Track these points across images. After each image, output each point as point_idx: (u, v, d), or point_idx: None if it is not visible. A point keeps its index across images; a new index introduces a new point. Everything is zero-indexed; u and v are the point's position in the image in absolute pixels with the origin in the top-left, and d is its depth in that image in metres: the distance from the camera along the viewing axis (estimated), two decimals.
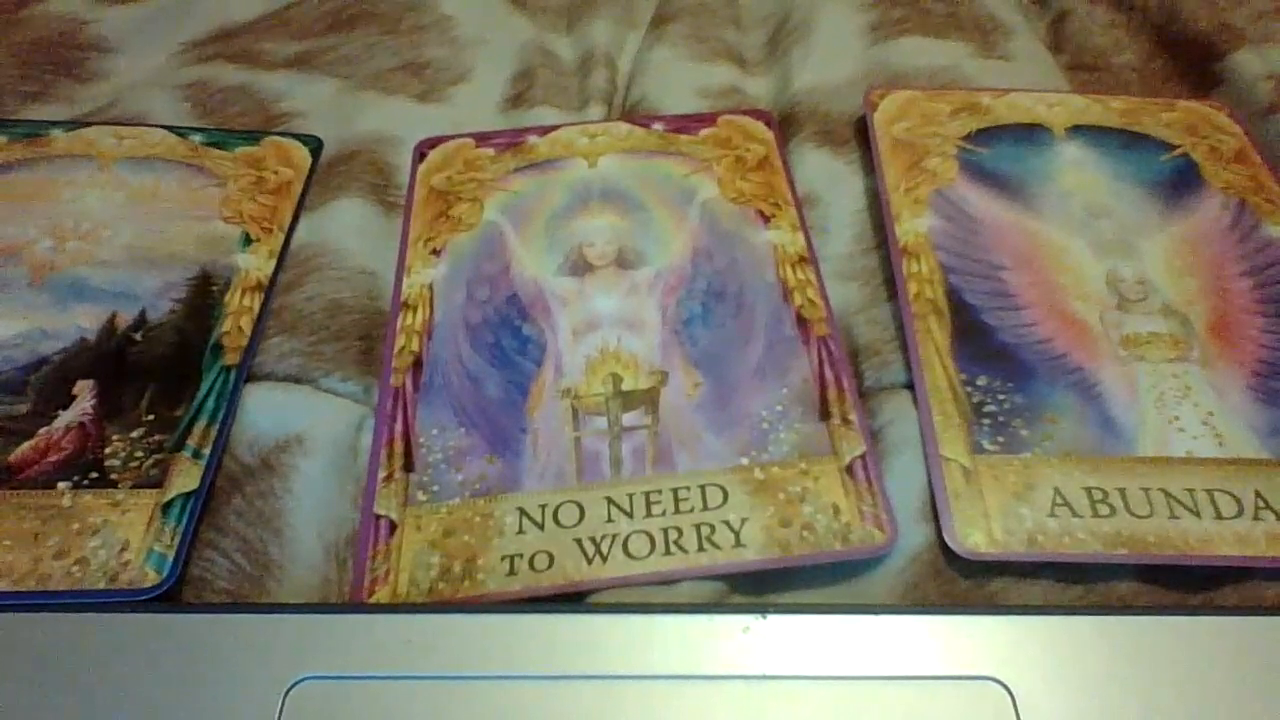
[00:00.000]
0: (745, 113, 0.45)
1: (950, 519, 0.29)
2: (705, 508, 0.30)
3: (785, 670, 0.24)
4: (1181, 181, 0.40)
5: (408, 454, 0.32)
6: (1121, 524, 0.29)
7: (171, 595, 0.28)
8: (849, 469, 0.31)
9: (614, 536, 0.29)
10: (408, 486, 0.31)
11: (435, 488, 0.31)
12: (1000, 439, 0.31)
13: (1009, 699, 0.24)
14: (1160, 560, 0.29)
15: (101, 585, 0.28)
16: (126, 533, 0.29)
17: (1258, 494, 0.30)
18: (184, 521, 0.29)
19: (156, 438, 0.32)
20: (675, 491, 0.30)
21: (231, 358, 0.34)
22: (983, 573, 0.29)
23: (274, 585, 0.29)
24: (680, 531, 0.29)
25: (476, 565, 0.29)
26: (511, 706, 0.24)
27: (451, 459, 0.32)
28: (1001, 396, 0.32)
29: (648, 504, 0.30)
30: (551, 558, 0.29)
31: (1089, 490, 0.30)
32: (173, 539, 0.29)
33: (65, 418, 0.32)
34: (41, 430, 0.32)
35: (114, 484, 0.30)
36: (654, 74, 0.48)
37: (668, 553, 0.29)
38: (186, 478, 0.31)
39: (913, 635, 0.25)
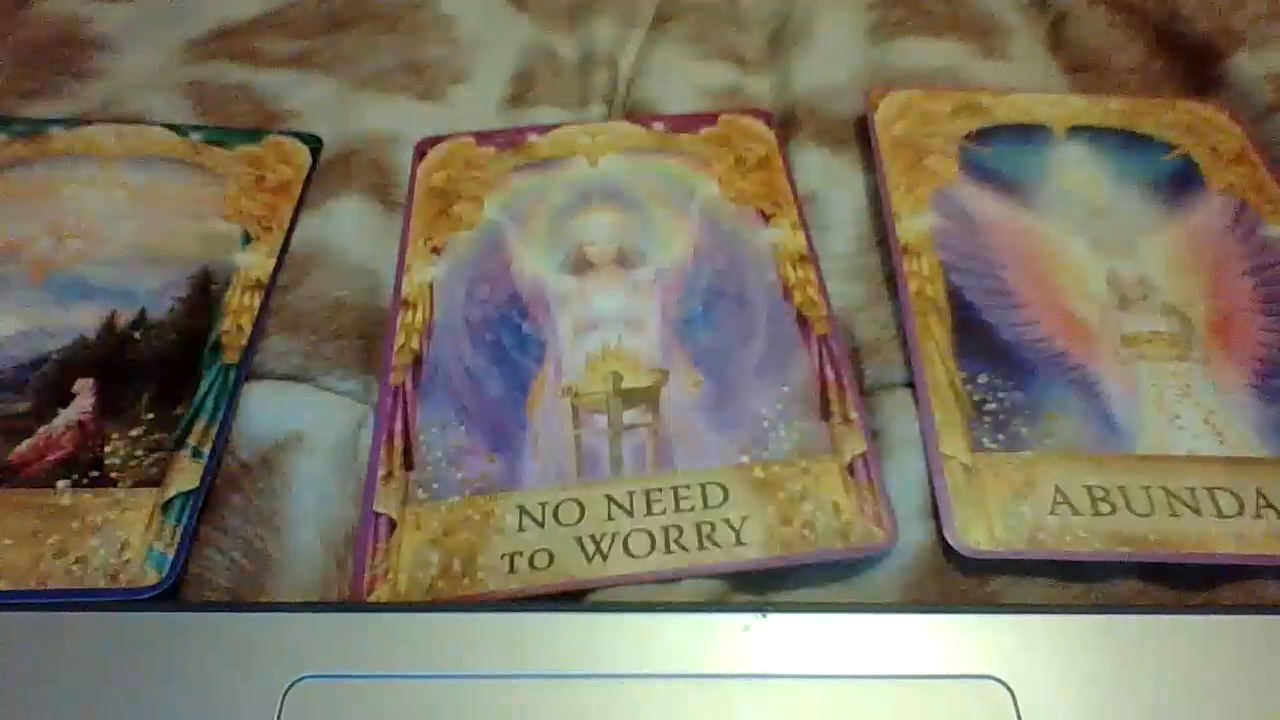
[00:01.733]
0: (746, 112, 0.45)
1: (951, 516, 0.29)
2: (706, 506, 0.30)
3: (785, 670, 0.24)
4: (1182, 182, 0.40)
5: (407, 452, 0.32)
6: (1122, 522, 0.29)
7: (171, 594, 0.28)
8: (849, 467, 0.31)
9: (614, 535, 0.29)
10: (407, 484, 0.31)
11: (435, 486, 0.31)
12: (1001, 436, 0.31)
13: (1009, 698, 0.24)
14: (1161, 558, 0.29)
15: (101, 584, 0.28)
16: (126, 531, 0.29)
17: (1259, 492, 0.30)
18: (184, 520, 0.29)
19: (156, 436, 0.32)
20: (676, 490, 0.30)
21: (231, 356, 0.34)
22: (983, 570, 0.29)
23: (273, 584, 0.29)
24: (681, 530, 0.29)
25: (476, 563, 0.29)
26: (511, 706, 0.24)
27: (451, 457, 0.32)
28: (1002, 394, 0.32)
29: (648, 502, 0.30)
30: (552, 556, 0.29)
31: (1089, 488, 0.30)
32: (173, 538, 0.29)
33: (65, 416, 0.32)
34: (41, 429, 0.32)
35: (114, 483, 0.30)
36: (655, 73, 0.48)
37: (668, 551, 0.29)
38: (186, 476, 0.30)
39: (913, 634, 0.25)
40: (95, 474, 0.31)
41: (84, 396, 0.33)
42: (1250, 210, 0.39)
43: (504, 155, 0.43)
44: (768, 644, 0.25)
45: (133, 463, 0.31)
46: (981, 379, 0.33)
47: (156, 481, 0.30)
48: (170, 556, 0.29)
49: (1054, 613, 0.26)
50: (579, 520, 0.30)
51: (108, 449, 0.31)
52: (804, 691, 0.24)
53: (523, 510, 0.30)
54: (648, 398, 0.33)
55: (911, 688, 0.24)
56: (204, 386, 0.33)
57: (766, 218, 0.39)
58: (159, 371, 0.34)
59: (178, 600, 0.28)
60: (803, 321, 0.35)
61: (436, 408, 0.33)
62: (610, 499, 0.30)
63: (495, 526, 0.30)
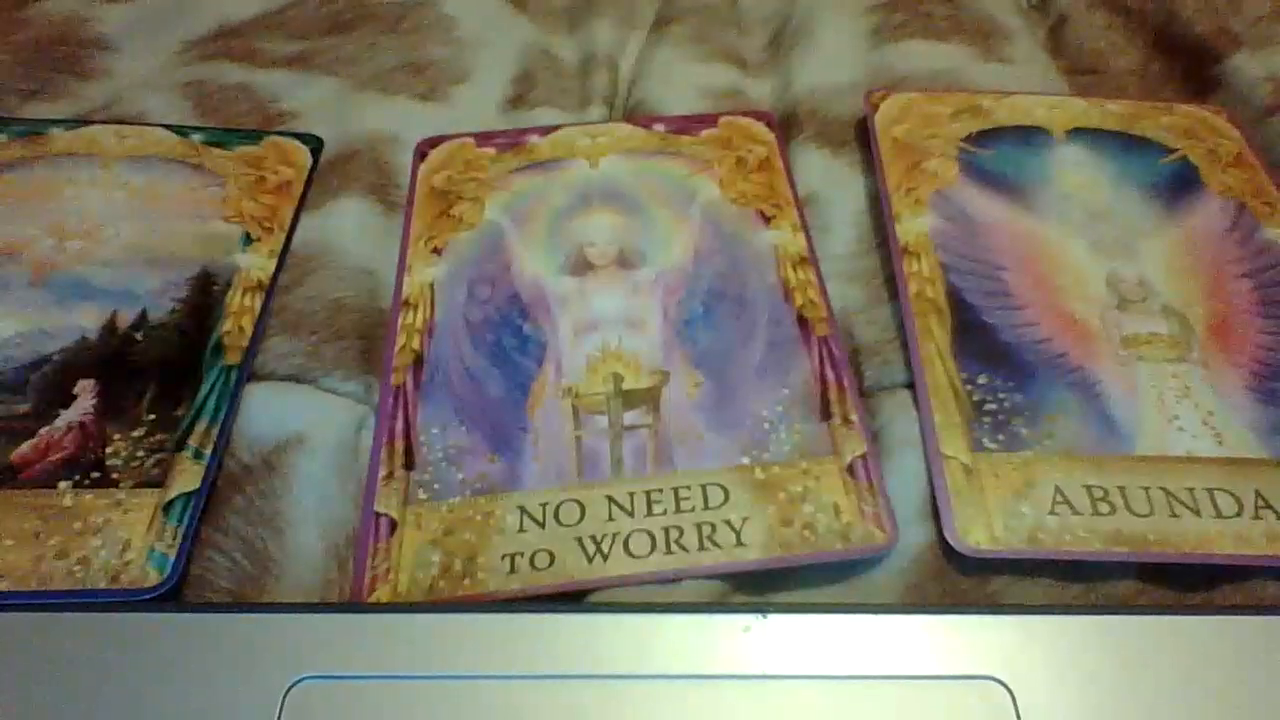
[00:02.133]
0: (747, 114, 0.45)
1: (951, 516, 0.29)
2: (706, 507, 0.30)
3: (785, 670, 0.24)
4: (1181, 184, 0.40)
5: (408, 452, 0.32)
6: (1121, 522, 0.29)
7: (173, 595, 0.28)
8: (850, 468, 0.31)
9: (615, 535, 0.29)
10: (408, 485, 0.31)
11: (436, 486, 0.31)
12: (1001, 437, 0.31)
13: (1009, 699, 0.24)
14: (1160, 559, 0.29)
15: (103, 585, 0.28)
16: (128, 532, 0.29)
17: (1257, 493, 0.30)
18: (185, 521, 0.29)
19: (158, 437, 0.32)
20: (676, 491, 0.31)
21: (232, 357, 0.34)
22: (983, 571, 0.29)
23: (274, 585, 0.29)
24: (681, 530, 0.29)
25: (477, 564, 0.29)
26: (511, 706, 0.24)
27: (452, 457, 0.32)
28: (1002, 395, 0.32)
29: (649, 503, 0.30)
30: (552, 556, 0.29)
31: (1089, 488, 0.30)
32: (174, 539, 0.29)
33: (66, 417, 0.32)
34: (43, 430, 0.32)
35: (115, 483, 0.30)
36: (655, 75, 0.48)
37: (669, 552, 0.29)
38: (188, 477, 0.31)
39: (913, 635, 0.25)
40: (97, 475, 0.31)
41: (85, 397, 0.33)
42: (1249, 213, 0.39)
43: (504, 156, 0.43)
44: (768, 644, 0.25)
45: (134, 463, 0.31)
46: (981, 380, 0.33)
47: (158, 482, 0.30)
48: (171, 557, 0.29)
49: (1054, 613, 0.26)
50: (579, 521, 0.30)
51: (109, 450, 0.31)
52: (804, 692, 0.24)
53: (523, 511, 0.30)
54: (648, 399, 0.33)
55: (911, 688, 0.24)
56: (205, 387, 0.33)
57: (767, 219, 0.39)
58: (160, 372, 0.34)
59: (179, 601, 0.28)
60: (803, 323, 0.35)
61: (437, 408, 0.33)
62: (611, 499, 0.30)
63: (496, 527, 0.30)
